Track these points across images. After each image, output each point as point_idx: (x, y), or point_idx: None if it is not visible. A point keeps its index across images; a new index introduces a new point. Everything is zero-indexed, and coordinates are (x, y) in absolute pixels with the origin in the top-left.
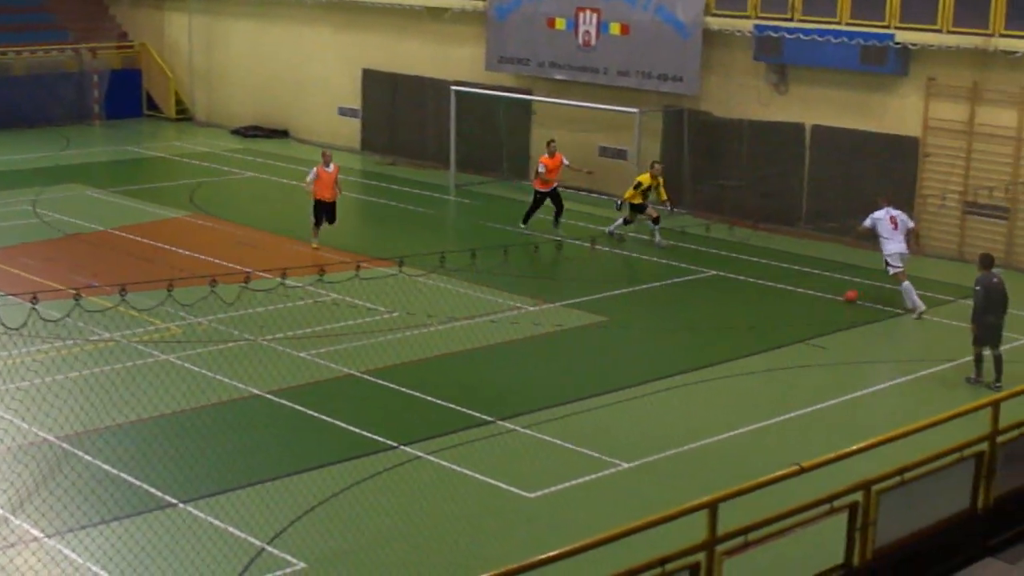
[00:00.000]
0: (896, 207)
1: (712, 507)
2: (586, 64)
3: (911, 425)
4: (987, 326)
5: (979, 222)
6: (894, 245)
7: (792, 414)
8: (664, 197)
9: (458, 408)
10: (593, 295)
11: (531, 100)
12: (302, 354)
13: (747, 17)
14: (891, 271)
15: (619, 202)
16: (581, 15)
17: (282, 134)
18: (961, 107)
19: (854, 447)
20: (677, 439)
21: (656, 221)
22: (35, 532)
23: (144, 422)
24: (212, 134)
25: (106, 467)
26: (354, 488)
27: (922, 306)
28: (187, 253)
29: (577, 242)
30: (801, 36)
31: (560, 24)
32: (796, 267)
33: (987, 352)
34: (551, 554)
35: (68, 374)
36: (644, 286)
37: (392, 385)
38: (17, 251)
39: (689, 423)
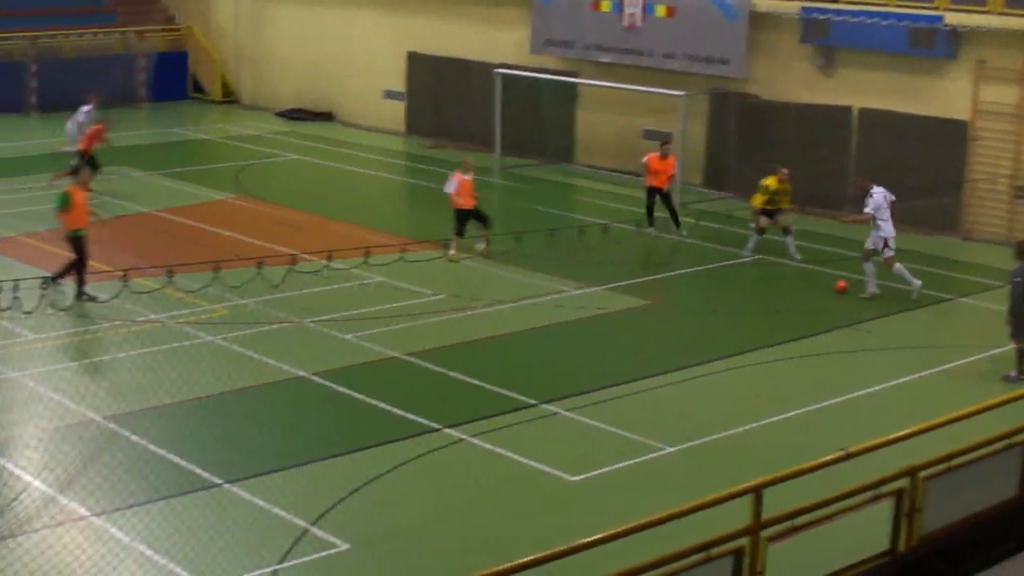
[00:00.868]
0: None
1: (757, 492)
2: (631, 47)
3: (958, 411)
4: None
5: None
6: (891, 227)
7: (837, 399)
8: (788, 204)
9: (501, 391)
10: (637, 278)
11: (576, 83)
12: (347, 336)
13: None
14: (888, 254)
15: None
16: None
17: (327, 117)
18: (1011, 90)
19: (901, 433)
20: (721, 423)
21: (788, 231)
22: (82, 511)
23: (190, 403)
24: (257, 117)
25: (152, 447)
26: (397, 470)
27: (918, 283)
28: (233, 235)
29: (621, 225)
30: (849, 18)
31: (605, 6)
32: (842, 251)
33: None
34: (593, 538)
35: (115, 355)
36: (688, 270)
37: (436, 367)
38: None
39: (733, 407)
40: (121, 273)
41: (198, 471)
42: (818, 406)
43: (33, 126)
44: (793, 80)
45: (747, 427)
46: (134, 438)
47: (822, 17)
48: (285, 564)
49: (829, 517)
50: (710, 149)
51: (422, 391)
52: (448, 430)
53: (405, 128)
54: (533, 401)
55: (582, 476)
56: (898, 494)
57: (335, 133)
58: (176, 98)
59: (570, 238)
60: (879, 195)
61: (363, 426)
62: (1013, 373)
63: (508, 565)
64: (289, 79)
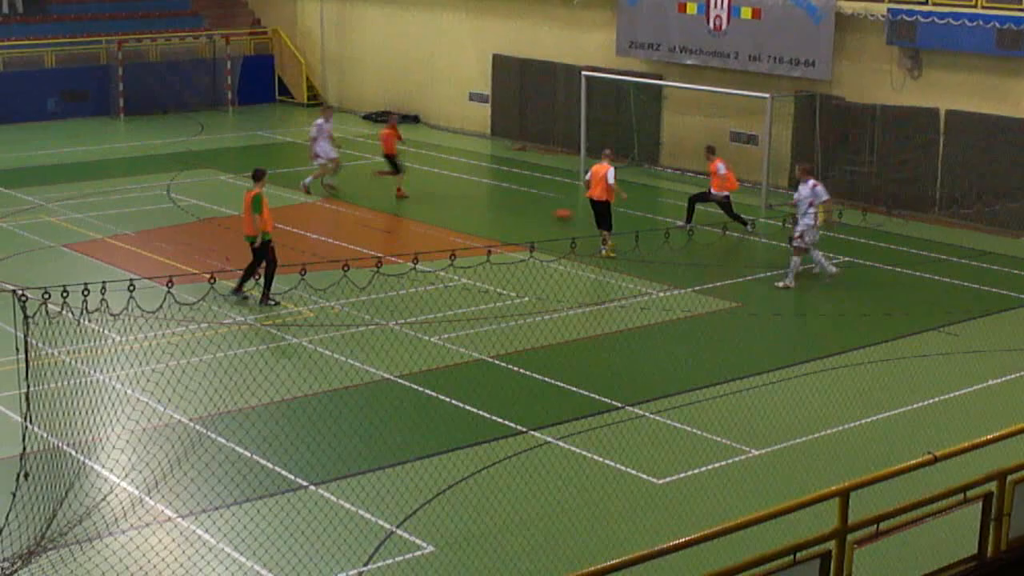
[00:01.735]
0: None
1: (844, 495)
2: (717, 49)
3: None
4: None
5: None
6: (810, 220)
7: (925, 402)
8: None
9: (587, 393)
10: (723, 281)
11: (662, 85)
12: (433, 338)
13: (881, 1)
14: (798, 243)
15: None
16: (712, 0)
17: (413, 119)
18: None
19: (989, 436)
20: (807, 427)
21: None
22: (169, 513)
23: (276, 405)
24: (343, 119)
25: (239, 449)
26: (483, 472)
27: (833, 269)
28: (319, 238)
29: (708, 228)
30: (936, 20)
31: (691, 8)
32: (929, 254)
33: None
34: (679, 541)
35: (202, 357)
36: (775, 272)
37: (522, 370)
38: (153, 235)
39: (820, 410)
40: (208, 275)
41: (284, 473)
42: (905, 409)
43: (120, 129)
44: (879, 82)
45: (833, 430)
46: (221, 440)
47: (909, 19)
48: (370, 566)
49: (916, 521)
50: (796, 151)
51: (507, 394)
52: (534, 433)
53: (490, 130)
54: (619, 404)
55: (668, 479)
56: (986, 498)
57: (421, 135)
58: (262, 101)
59: (656, 240)
60: (806, 189)
61: (448, 429)
62: None
63: (594, 568)
64: (375, 82)
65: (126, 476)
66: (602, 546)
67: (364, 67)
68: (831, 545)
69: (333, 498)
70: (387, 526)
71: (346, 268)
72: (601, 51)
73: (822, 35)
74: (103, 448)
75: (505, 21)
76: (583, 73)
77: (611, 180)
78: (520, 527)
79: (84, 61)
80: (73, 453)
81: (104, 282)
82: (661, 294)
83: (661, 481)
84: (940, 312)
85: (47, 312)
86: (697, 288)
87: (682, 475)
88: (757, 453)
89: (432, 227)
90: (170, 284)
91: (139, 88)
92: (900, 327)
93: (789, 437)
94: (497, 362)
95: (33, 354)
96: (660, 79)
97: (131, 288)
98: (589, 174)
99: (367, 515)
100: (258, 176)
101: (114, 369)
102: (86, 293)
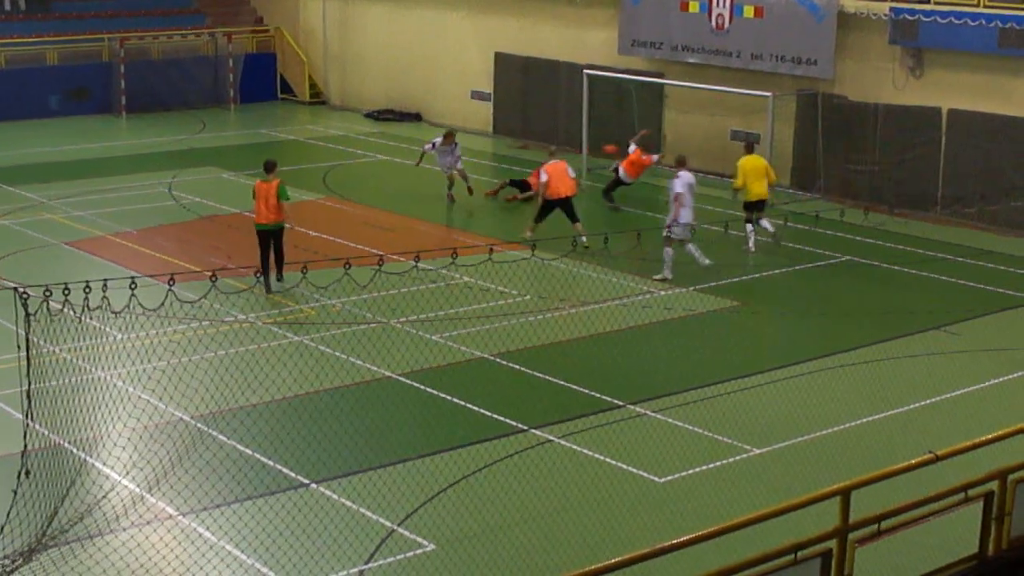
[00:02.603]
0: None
1: (845, 494)
2: (719, 47)
3: None
4: None
5: None
6: (683, 214)
7: (925, 401)
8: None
9: (588, 392)
10: (725, 279)
11: (664, 84)
12: (434, 337)
13: (883, 0)
14: (667, 233)
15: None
16: None
17: (415, 117)
18: None
19: (990, 436)
20: (808, 425)
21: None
22: (170, 510)
23: (277, 403)
24: (346, 117)
25: (240, 447)
26: (484, 471)
27: (706, 261)
28: (320, 236)
29: (708, 227)
30: (938, 19)
31: (693, 7)
32: (931, 252)
33: None
34: (681, 539)
35: (204, 354)
36: (776, 271)
37: (523, 368)
38: (154, 233)
39: (820, 409)
40: (210, 273)
41: (285, 471)
42: (906, 408)
43: (122, 127)
44: (881, 81)
45: (835, 429)
46: (222, 438)
47: (911, 18)
48: (371, 564)
49: (917, 520)
50: (798, 150)
51: (509, 392)
52: (535, 431)
53: (492, 128)
54: (620, 402)
55: (669, 477)
56: (987, 497)
57: (423, 134)
58: (265, 99)
59: (657, 239)
60: (679, 182)
61: (450, 427)
62: None
63: (595, 566)
64: (377, 80)
65: (127, 474)
66: (604, 544)
67: (366, 65)
68: (832, 544)
69: (334, 496)
70: (388, 524)
71: (348, 266)
72: (603, 49)
73: (824, 34)
74: (104, 446)
75: (507, 19)
76: (585, 72)
77: (572, 174)
78: (521, 525)
79: (86, 58)
80: (74, 451)
81: (105, 280)
82: (662, 292)
83: (662, 480)
84: (942, 311)
85: (48, 310)
86: (697, 287)
87: (683, 473)
88: (758, 452)
89: (434, 225)
90: (172, 282)
91: (141, 86)
92: (902, 326)
93: (790, 436)
94: (499, 360)
95: (34, 352)
96: (662, 78)
97: (132, 286)
98: (546, 176)
99: (368, 513)
100: (272, 167)
101: (115, 367)
102: (87, 291)
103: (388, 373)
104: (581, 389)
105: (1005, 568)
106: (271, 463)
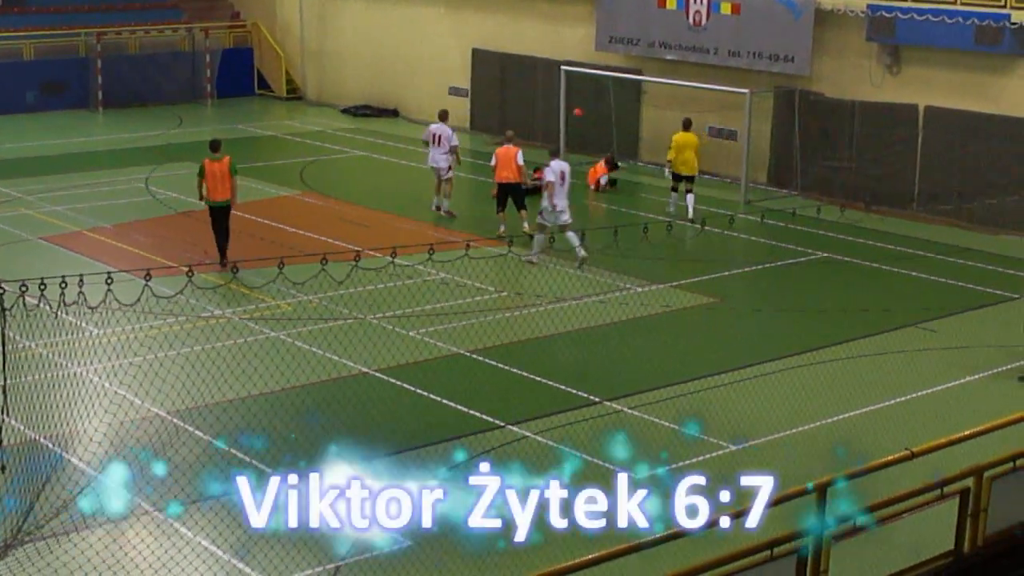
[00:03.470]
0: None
1: (821, 491)
2: (696, 44)
3: None
4: None
5: None
6: (551, 202)
7: (902, 398)
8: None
9: (565, 388)
10: (702, 276)
11: (641, 80)
12: (411, 332)
13: None
14: (558, 223)
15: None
16: None
17: (392, 113)
18: None
19: (966, 432)
20: (785, 422)
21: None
22: (146, 506)
23: (254, 398)
24: (323, 113)
25: (216, 443)
26: (460, 467)
27: (583, 253)
28: (297, 231)
29: (686, 223)
30: (915, 16)
31: (671, 3)
32: (908, 250)
33: None
34: (657, 536)
35: (180, 350)
36: (753, 267)
37: (500, 364)
38: (130, 228)
39: (797, 406)
40: (186, 268)
41: (262, 467)
42: (882, 405)
43: (99, 122)
44: (859, 78)
45: (811, 426)
46: (198, 433)
47: (888, 15)
48: (348, 560)
49: (893, 517)
50: (775, 147)
51: (485, 388)
52: (512, 427)
53: (469, 125)
54: (597, 398)
55: (646, 474)
56: (963, 494)
57: (400, 130)
58: (242, 94)
59: (634, 235)
60: (549, 170)
61: (426, 423)
62: None
63: (570, 563)
64: (354, 76)
65: (103, 469)
66: (579, 541)
67: (344, 61)
68: (809, 540)
69: None
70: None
71: (324, 262)
72: (581, 46)
73: (802, 31)
74: (80, 441)
75: (485, 15)
76: (562, 68)
77: (520, 161)
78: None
79: (63, 53)
80: (50, 446)
81: (82, 275)
82: (639, 289)
83: (640, 476)
84: (918, 308)
85: (24, 305)
86: (675, 283)
87: (659, 470)
88: (734, 448)
89: (411, 221)
90: (148, 277)
91: (118, 80)
92: (878, 323)
93: (766, 432)
94: (475, 356)
95: (10, 347)
96: (639, 74)
97: (109, 281)
98: (495, 159)
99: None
100: (219, 146)
101: (91, 362)
102: (64, 286)
103: (364, 369)
104: (557, 385)
105: (981, 565)
106: (247, 459)
